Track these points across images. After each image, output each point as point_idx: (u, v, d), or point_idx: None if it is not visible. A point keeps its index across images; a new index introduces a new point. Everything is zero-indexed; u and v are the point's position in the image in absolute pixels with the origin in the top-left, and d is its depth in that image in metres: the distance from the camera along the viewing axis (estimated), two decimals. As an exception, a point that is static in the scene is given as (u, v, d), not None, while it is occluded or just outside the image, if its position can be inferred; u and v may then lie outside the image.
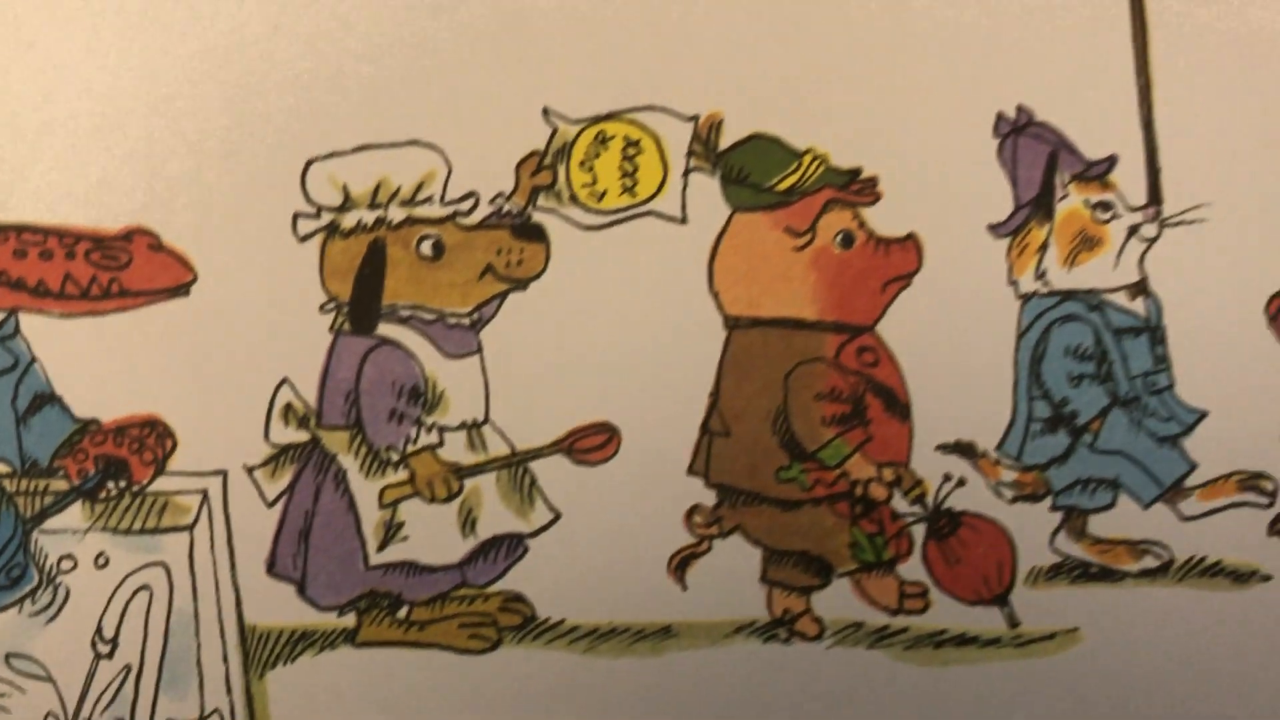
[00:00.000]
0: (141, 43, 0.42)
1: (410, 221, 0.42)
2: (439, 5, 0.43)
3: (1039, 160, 0.44)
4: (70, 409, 0.41)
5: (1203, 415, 0.44)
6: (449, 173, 0.43)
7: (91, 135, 0.42)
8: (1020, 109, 0.44)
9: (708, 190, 0.44)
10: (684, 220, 0.43)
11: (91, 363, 0.41)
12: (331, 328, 0.42)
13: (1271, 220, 0.45)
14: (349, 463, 0.42)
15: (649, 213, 0.43)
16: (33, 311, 0.41)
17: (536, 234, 0.43)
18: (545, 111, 0.43)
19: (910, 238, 0.44)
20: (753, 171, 0.44)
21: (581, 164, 0.43)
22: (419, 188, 0.42)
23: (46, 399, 0.41)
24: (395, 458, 0.42)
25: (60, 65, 0.42)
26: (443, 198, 0.42)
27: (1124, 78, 0.45)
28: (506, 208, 0.43)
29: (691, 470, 0.43)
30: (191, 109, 0.42)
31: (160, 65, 0.42)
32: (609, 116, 0.43)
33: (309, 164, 0.42)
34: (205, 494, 0.41)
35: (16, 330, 0.41)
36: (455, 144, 0.43)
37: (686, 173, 0.44)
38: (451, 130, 0.43)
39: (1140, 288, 0.45)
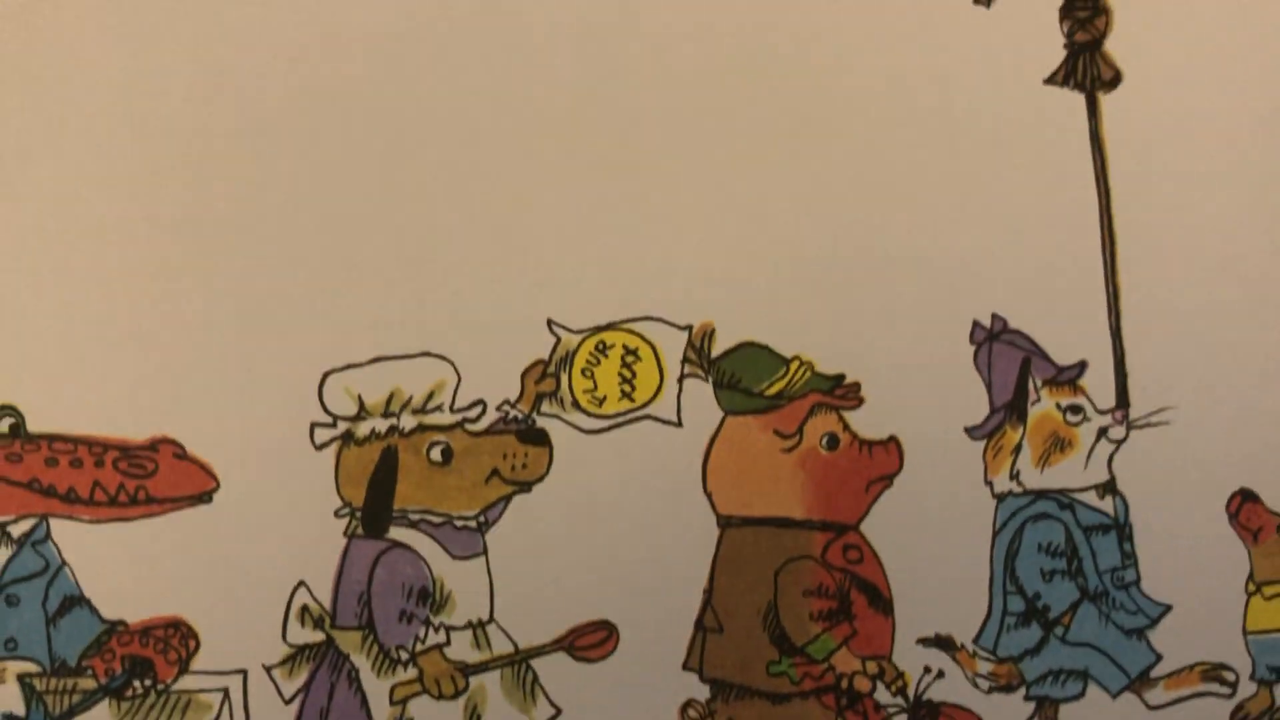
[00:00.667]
0: (164, 271, 0.44)
1: (421, 429, 0.45)
2: (449, 225, 0.45)
3: (1013, 366, 0.47)
4: (98, 610, 0.44)
5: (1167, 609, 0.47)
6: (458, 382, 0.45)
7: (118, 351, 0.44)
8: (995, 317, 0.47)
9: (701, 395, 0.46)
10: (679, 424, 0.46)
11: (119, 566, 0.44)
12: (346, 532, 0.45)
13: (1231, 423, 0.47)
14: (361, 662, 0.44)
15: (646, 417, 0.46)
16: (63, 517, 0.44)
17: (540, 438, 0.45)
18: (549, 323, 0.46)
19: (892, 440, 0.47)
20: (743, 377, 0.46)
21: (583, 371, 0.46)
22: (430, 397, 0.45)
23: (75, 601, 0.43)
24: (405, 657, 0.44)
25: (87, 290, 0.44)
26: (452, 405, 0.45)
27: (1093, 288, 0.48)
28: (512, 414, 0.45)
29: (686, 666, 0.45)
30: (212, 326, 0.44)
31: (181, 288, 0.44)
32: (608, 326, 0.46)
33: (325, 376, 0.45)
34: (226, 692, 0.44)
35: (47, 535, 0.44)
36: (464, 355, 0.45)
37: (681, 379, 0.46)
38: (460, 342, 0.45)
39: (1109, 487, 0.47)
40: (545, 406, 0.46)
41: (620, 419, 0.46)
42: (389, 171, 0.45)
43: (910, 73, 0.47)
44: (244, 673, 0.44)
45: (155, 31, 0.45)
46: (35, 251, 0.44)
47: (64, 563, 0.44)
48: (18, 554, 0.43)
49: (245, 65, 0.45)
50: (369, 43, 0.46)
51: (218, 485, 0.44)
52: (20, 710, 0.43)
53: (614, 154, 0.46)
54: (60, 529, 0.44)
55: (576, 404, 0.46)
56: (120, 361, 0.44)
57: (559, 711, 0.45)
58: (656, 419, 0.46)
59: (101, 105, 0.45)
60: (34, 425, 0.44)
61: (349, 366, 0.45)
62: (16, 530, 0.44)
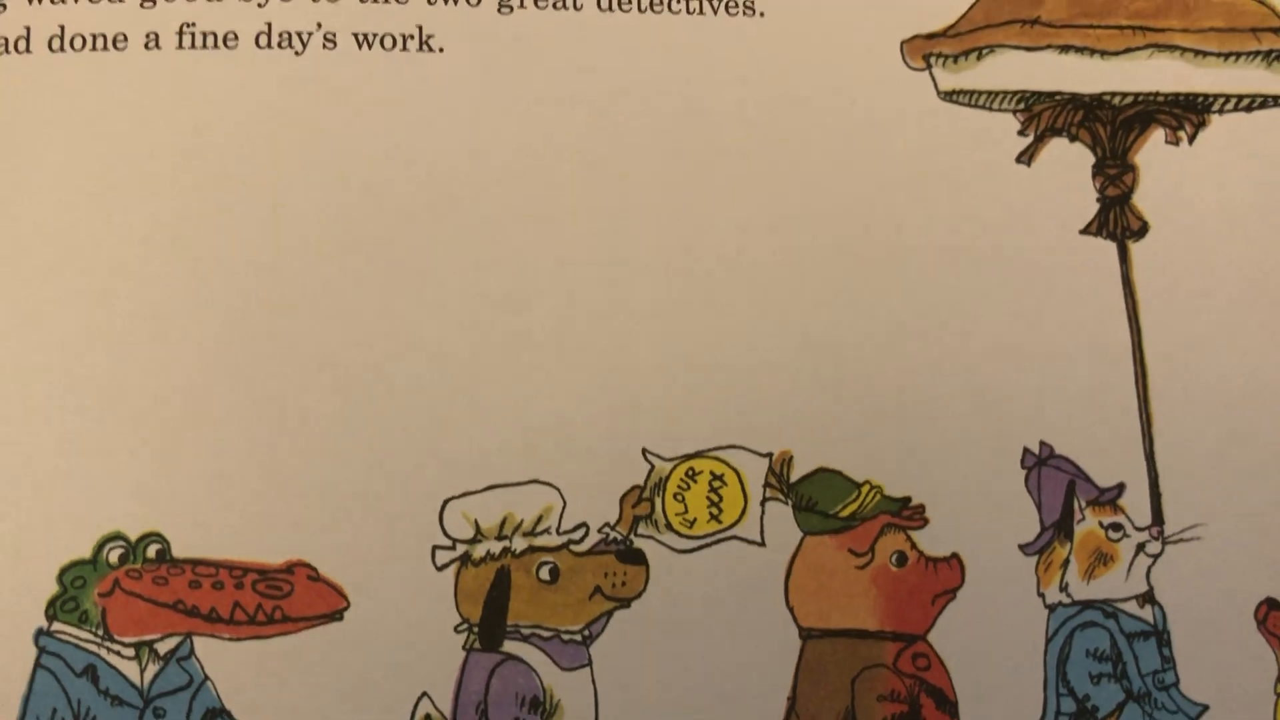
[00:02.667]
0: (298, 411, 0.49)
1: (531, 550, 0.49)
2: (555, 367, 0.50)
3: (1060, 489, 0.52)
4: (238, 722, 0.47)
5: (1205, 709, 0.52)
6: (563, 506, 0.50)
7: (256, 482, 0.48)
8: (1042, 445, 0.52)
9: (782, 517, 0.51)
10: (763, 543, 0.51)
11: (257, 681, 0.47)
12: (464, 646, 0.49)
13: (1257, 538, 0.53)
14: (479, 767, 0.48)
15: (732, 537, 0.51)
16: (205, 635, 0.48)
17: (638, 558, 0.50)
18: (644, 452, 0.50)
19: (954, 557, 0.51)
20: (820, 500, 0.51)
21: (675, 496, 0.50)
22: (538, 520, 0.49)
23: (217, 713, 0.47)
24: (519, 761, 0.48)
25: (228, 427, 0.49)
26: (558, 528, 0.50)
27: (1129, 417, 0.53)
28: (612, 535, 0.50)
29: (773, 767, 0.50)
30: (342, 459, 0.49)
31: (314, 425, 0.49)
32: (697, 455, 0.51)
33: (445, 503, 0.49)
34: (355, 798, 0.47)
35: (191, 652, 0.47)
36: (568, 482, 0.50)
37: (763, 502, 0.51)
38: (565, 470, 0.50)
39: (1148, 597, 0.52)
40: (641, 528, 0.50)
41: (709, 539, 0.51)
42: (503, 319, 0.50)
43: (965, 225, 0.53)
44: (372, 779, 0.48)
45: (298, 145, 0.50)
46: (180, 394, 0.48)
47: (206, 677, 0.47)
48: (164, 670, 0.47)
49: (379, 183, 0.50)
50: (477, 178, 0.51)
51: (348, 604, 0.48)
52: (161, 816, 0.47)
53: (703, 303, 0.51)
54: (203, 646, 0.48)
55: (669, 526, 0.50)
56: (258, 491, 0.48)
57: (659, 811, 0.49)
58: (742, 539, 0.51)
59: (246, 238, 0.50)
60: (179, 551, 0.48)
61: (466, 494, 0.49)
62: (163, 648, 0.47)
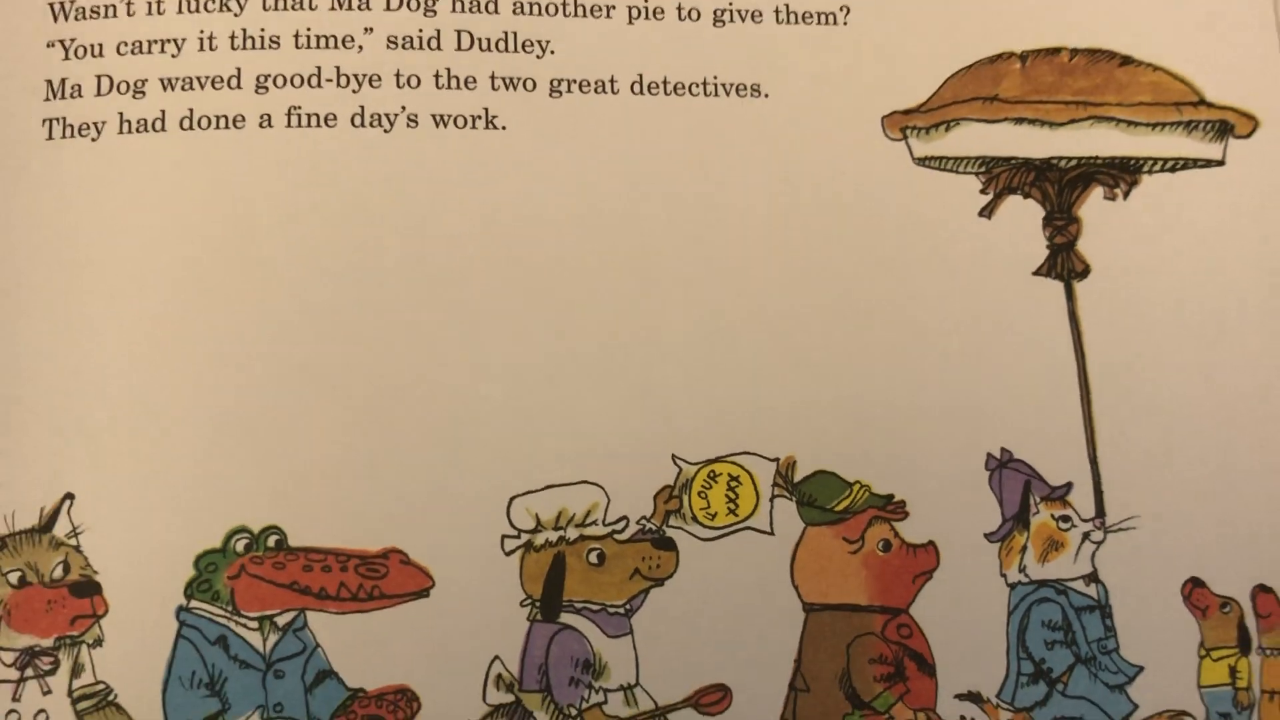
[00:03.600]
0: (390, 421, 0.59)
1: (582, 539, 0.59)
2: (603, 389, 0.60)
3: (1018, 487, 0.63)
4: (344, 681, 0.57)
5: (1140, 669, 0.62)
6: (608, 503, 0.60)
7: (358, 482, 0.58)
8: (1003, 450, 0.63)
9: (788, 511, 0.61)
10: (772, 533, 0.61)
11: (359, 647, 0.57)
12: (528, 618, 0.59)
13: (1184, 527, 0.63)
14: (541, 717, 0.58)
15: (747, 528, 0.61)
16: (316, 610, 0.57)
17: (670, 545, 0.60)
18: (673, 457, 0.61)
19: (931, 544, 0.62)
20: (819, 497, 0.61)
21: (699, 494, 0.61)
22: (588, 514, 0.60)
23: (327, 674, 0.57)
24: (574, 713, 0.58)
25: (331, 435, 0.58)
26: (604, 520, 0.60)
27: (1075, 427, 0.63)
28: (648, 526, 0.60)
29: (783, 718, 0.60)
30: (428, 462, 0.59)
31: (402, 437, 0.59)
32: (717, 459, 0.61)
33: (511, 500, 0.59)
34: (441, 742, 0.57)
35: (305, 624, 0.57)
36: (612, 482, 0.60)
37: (772, 499, 0.61)
38: (609, 472, 0.60)
39: (1093, 577, 0.63)
40: (672, 521, 0.60)
41: (728, 530, 0.61)
42: (558, 351, 0.60)
43: (937, 268, 0.63)
44: (453, 727, 0.58)
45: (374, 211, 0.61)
46: (294, 411, 0.58)
47: (318, 645, 0.57)
48: (283, 639, 0.57)
49: (439, 233, 0.60)
50: (535, 234, 0.61)
51: (433, 584, 0.58)
52: (279, 760, 0.57)
53: (721, 337, 0.61)
54: (314, 619, 0.57)
55: (695, 519, 0.60)
56: (359, 491, 0.58)
57: (689, 752, 0.59)
58: (755, 529, 0.61)
59: (332, 265, 0.60)
60: (294, 541, 0.58)
61: (529, 492, 0.59)
62: (281, 621, 0.57)
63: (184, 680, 0.56)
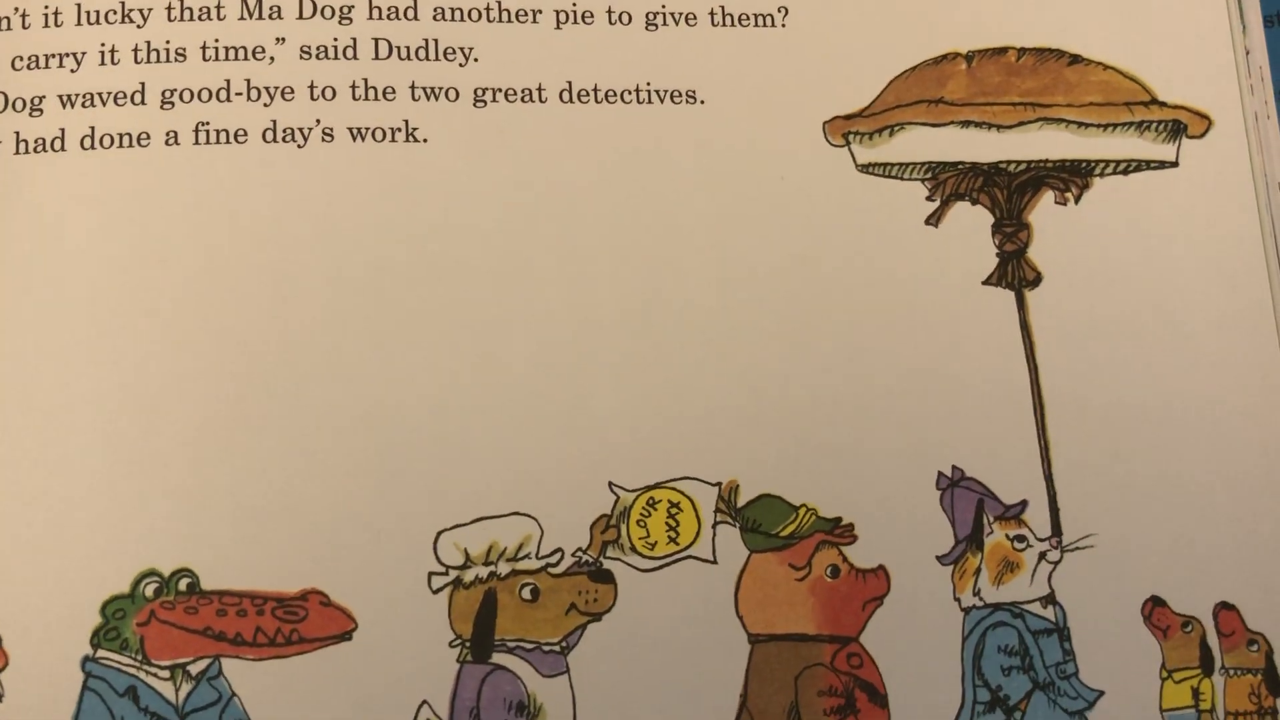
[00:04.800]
0: (308, 462, 0.56)
1: (514, 573, 0.57)
2: (531, 415, 0.58)
3: (970, 507, 0.60)
4: (262, 732, 0.54)
5: (1100, 694, 0.60)
6: (541, 535, 0.57)
7: (274, 521, 0.55)
8: (955, 468, 0.60)
9: (731, 538, 0.59)
10: (715, 561, 0.58)
11: (278, 696, 0.54)
12: (458, 659, 0.56)
13: (1143, 546, 0.61)
14: (474, 764, 0.55)
15: (688, 557, 0.58)
16: (232, 657, 0.54)
17: (607, 577, 0.57)
18: (610, 484, 0.58)
19: (881, 568, 0.59)
20: (763, 522, 0.59)
21: (638, 522, 0.58)
22: (520, 547, 0.57)
23: (244, 725, 0.54)
24: (509, 758, 0.56)
25: (249, 474, 0.56)
26: (537, 554, 0.57)
27: (1029, 443, 0.61)
28: (584, 558, 0.57)
29: (728, 756, 0.57)
30: (349, 497, 0.56)
31: (323, 472, 0.56)
32: (656, 486, 0.58)
33: (438, 534, 0.56)
34: (366, 793, 0.54)
35: (220, 672, 0.54)
36: (545, 513, 0.57)
37: (715, 525, 0.59)
38: (542, 503, 0.57)
39: (1050, 599, 0.60)
40: (610, 551, 0.58)
41: (668, 559, 0.58)
42: (484, 377, 0.57)
43: (883, 279, 0.61)
44: (380, 777, 0.55)
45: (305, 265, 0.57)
46: (203, 447, 0.55)
47: (234, 694, 0.54)
48: (196, 688, 0.54)
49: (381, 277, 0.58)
50: (458, 252, 0.58)
51: (356, 626, 0.55)
52: (196, 816, 0.54)
53: (657, 355, 0.59)
54: (230, 667, 0.54)
55: (634, 549, 0.58)
56: (274, 529, 0.55)
57: (631, 797, 0.56)
58: (696, 558, 0.58)
59: (257, 311, 0.57)
60: (207, 584, 0.55)
61: (456, 526, 0.56)
62: (195, 669, 0.54)
63: (91, 735, 0.53)
